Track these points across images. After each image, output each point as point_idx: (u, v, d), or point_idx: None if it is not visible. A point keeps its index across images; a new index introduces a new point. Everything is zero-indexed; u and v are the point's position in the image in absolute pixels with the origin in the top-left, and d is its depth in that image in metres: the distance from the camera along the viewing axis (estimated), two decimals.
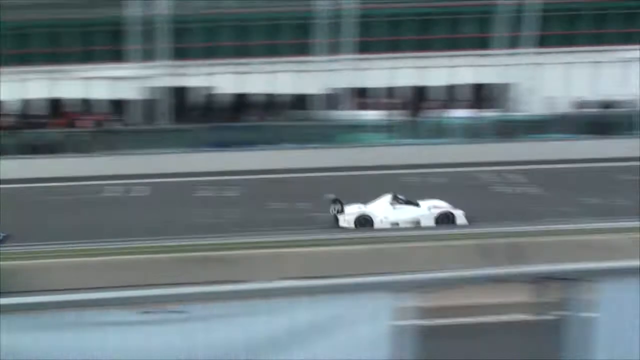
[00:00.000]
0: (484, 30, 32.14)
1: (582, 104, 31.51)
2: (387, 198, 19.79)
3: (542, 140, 29.09)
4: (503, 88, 32.73)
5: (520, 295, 4.04)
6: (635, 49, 30.97)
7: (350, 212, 19.60)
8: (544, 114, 30.77)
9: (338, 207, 19.68)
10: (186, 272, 13.13)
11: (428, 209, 19.57)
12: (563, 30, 32.25)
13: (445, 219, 19.23)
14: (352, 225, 19.38)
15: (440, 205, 19.69)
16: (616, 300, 3.99)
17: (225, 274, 12.55)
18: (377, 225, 19.36)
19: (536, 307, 4.12)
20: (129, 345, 3.44)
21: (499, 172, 25.43)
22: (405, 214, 19.53)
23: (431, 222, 19.32)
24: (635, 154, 25.12)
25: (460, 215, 19.29)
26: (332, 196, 19.92)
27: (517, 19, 31.78)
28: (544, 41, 31.93)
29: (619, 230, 15.95)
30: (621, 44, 31.45)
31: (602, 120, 30.13)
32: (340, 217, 19.59)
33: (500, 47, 31.96)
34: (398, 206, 19.61)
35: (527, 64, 32.00)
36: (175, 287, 3.55)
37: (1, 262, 13.56)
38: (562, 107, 31.12)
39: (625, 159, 25.01)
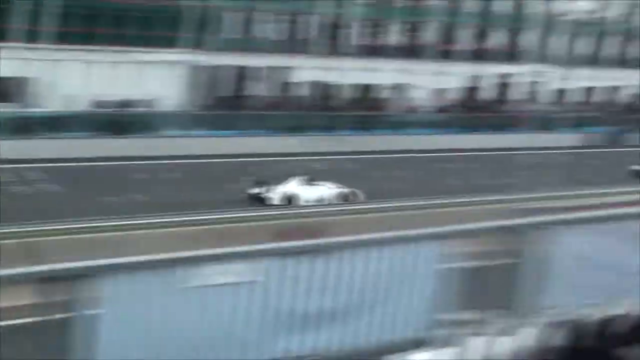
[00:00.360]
0: None
1: (100, 103, 31.96)
2: (296, 181, 24.29)
3: (61, 138, 28.72)
4: (21, 82, 31.33)
5: (27, 297, 4.03)
6: (152, 52, 32.69)
7: (279, 191, 23.67)
8: (63, 111, 30.40)
9: (264, 188, 23.51)
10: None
11: (328, 188, 24.45)
12: (84, 28, 32.09)
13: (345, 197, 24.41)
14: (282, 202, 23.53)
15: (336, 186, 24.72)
16: (120, 295, 4.15)
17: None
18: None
19: (42, 309, 4.08)
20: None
21: (17, 170, 24.32)
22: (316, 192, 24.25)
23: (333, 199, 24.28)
24: (150, 153, 26.80)
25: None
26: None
27: (35, 12, 30.70)
28: (64, 37, 31.46)
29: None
30: (140, 46, 32.62)
31: (119, 120, 31.16)
32: (270, 196, 23.38)
33: (18, 39, 30.52)
34: (308, 186, 24.22)
35: (45, 60, 31.09)
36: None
37: None
38: (81, 105, 31.17)
39: (140, 158, 26.48)
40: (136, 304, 4.22)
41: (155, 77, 33.09)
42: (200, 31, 34.48)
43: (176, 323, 4.34)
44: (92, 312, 4.07)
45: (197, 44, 34.35)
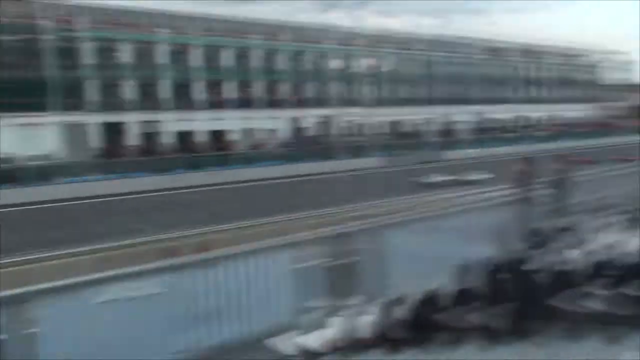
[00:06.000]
0: None
1: None
2: None
3: None
4: None
5: None
6: (29, 116, 34.65)
7: None
8: None
9: None
10: None
11: None
12: None
13: None
14: None
15: None
16: (54, 316, 4.66)
17: None
18: None
19: None
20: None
21: None
22: None
23: None
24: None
25: None
26: None
27: None
28: None
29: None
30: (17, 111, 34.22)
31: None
32: None
33: None
34: None
35: None
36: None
37: None
38: None
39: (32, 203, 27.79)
40: (63, 321, 4.77)
41: (36, 136, 34.98)
42: (68, 96, 36.65)
43: (95, 332, 4.92)
44: (27, 331, 4.56)
45: (67, 107, 36.62)
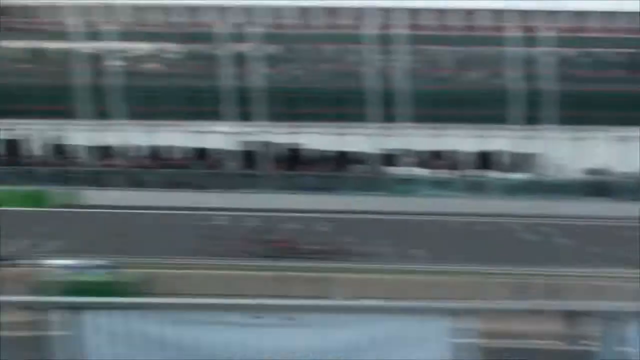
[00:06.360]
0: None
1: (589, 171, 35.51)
2: None
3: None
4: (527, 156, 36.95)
5: (556, 325, 4.39)
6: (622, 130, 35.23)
7: None
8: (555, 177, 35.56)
9: None
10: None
11: None
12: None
13: None
14: None
15: None
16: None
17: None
18: None
19: (569, 338, 4.45)
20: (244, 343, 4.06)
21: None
22: None
23: None
24: None
25: None
26: None
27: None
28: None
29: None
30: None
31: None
32: None
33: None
34: None
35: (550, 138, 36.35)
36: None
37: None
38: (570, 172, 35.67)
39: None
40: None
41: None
42: None
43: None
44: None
45: None
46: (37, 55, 39.33)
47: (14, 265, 18.89)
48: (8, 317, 4.58)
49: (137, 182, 35.12)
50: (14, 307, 4.63)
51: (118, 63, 39.16)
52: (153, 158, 38.27)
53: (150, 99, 37.39)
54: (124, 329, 4.12)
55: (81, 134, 37.74)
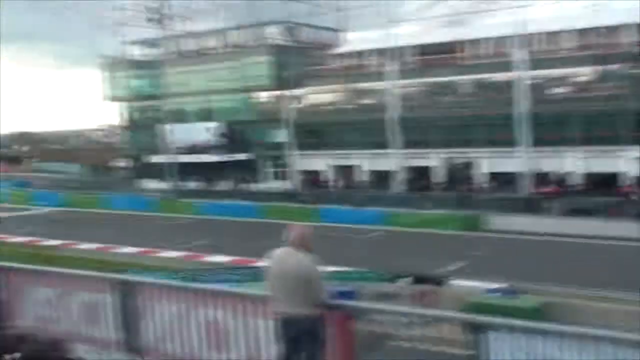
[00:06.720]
0: None
1: None
2: None
3: None
4: None
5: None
6: None
7: None
8: None
9: None
10: None
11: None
12: None
13: None
14: None
15: None
16: None
17: None
18: None
19: None
20: None
21: None
22: None
23: None
24: None
25: None
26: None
27: None
28: None
29: None
30: None
31: None
32: None
33: None
34: None
35: None
36: None
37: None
38: None
39: None
40: None
41: None
42: None
43: None
44: None
45: None
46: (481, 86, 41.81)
47: (446, 285, 20.04)
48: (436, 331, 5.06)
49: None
50: (448, 322, 5.18)
51: (557, 90, 39.14)
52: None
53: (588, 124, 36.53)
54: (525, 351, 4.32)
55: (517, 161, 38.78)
